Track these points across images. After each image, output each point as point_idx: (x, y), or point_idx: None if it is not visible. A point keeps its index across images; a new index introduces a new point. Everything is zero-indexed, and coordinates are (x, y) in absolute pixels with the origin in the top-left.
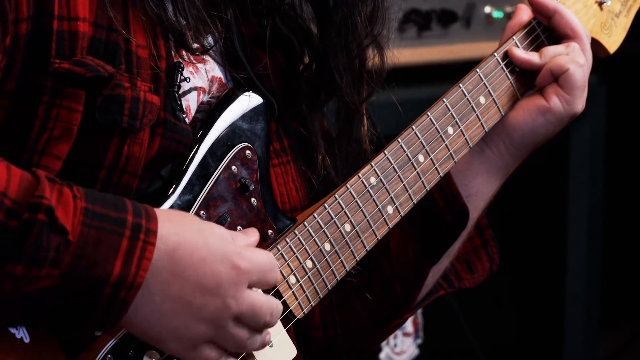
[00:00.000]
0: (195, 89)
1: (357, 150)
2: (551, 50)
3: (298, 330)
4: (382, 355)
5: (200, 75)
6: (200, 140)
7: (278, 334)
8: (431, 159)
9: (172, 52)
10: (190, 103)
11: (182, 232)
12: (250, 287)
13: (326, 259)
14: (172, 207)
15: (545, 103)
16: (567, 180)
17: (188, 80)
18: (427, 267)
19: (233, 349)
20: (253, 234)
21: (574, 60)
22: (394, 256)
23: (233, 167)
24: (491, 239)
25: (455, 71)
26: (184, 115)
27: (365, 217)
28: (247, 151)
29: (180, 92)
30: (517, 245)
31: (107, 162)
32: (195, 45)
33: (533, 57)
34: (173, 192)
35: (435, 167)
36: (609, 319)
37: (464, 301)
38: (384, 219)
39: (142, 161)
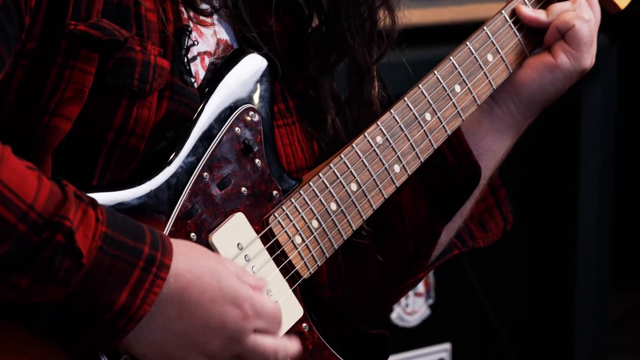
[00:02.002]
0: (200, 54)
1: (367, 112)
2: (558, 7)
3: (305, 290)
4: (393, 315)
5: (205, 39)
6: (203, 103)
7: (284, 294)
8: (438, 117)
9: (180, 16)
10: (198, 68)
11: (196, 270)
12: (256, 331)
13: (332, 219)
14: (174, 169)
15: (553, 60)
16: (579, 140)
17: (196, 43)
18: (439, 226)
19: None
20: (262, 281)
21: (580, 16)
22: (406, 214)
23: (236, 129)
24: (504, 199)
25: (466, 31)
26: (193, 79)
27: (372, 176)
28: (251, 112)
29: (189, 56)
30: (527, 205)
31: (116, 124)
32: (204, 7)
33: (540, 14)
34: (177, 154)
35: (443, 125)
36: (620, 279)
37: (475, 261)
38: (391, 177)
39: (150, 124)
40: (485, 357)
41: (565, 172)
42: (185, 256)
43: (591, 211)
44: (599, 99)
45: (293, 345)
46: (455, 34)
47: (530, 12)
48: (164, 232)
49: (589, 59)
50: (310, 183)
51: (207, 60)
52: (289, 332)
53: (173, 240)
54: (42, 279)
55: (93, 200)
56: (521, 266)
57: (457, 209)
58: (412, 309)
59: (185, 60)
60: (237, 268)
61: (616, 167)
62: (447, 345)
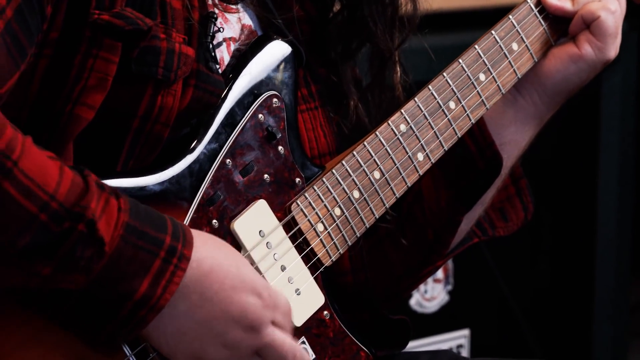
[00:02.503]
0: (225, 40)
1: (389, 97)
2: None
3: (326, 277)
4: (412, 301)
5: (231, 25)
6: (227, 89)
7: (305, 282)
8: (462, 105)
9: (205, 3)
10: (224, 54)
11: (217, 257)
12: (274, 324)
13: (355, 207)
14: (197, 156)
15: (577, 50)
16: (599, 127)
17: (222, 30)
18: (460, 215)
19: None
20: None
21: (606, 7)
22: (426, 203)
23: (260, 116)
24: (526, 188)
25: (488, 18)
26: (217, 66)
27: (395, 164)
28: (274, 99)
29: (214, 42)
30: (547, 192)
31: (141, 112)
32: None
33: (566, 3)
34: (199, 141)
35: (467, 114)
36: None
37: (494, 247)
38: (414, 165)
39: (175, 112)
40: (504, 343)
41: (584, 158)
42: (205, 244)
43: (611, 197)
44: (619, 84)
45: (306, 354)
46: (477, 19)
47: (555, 1)
48: (186, 219)
49: (613, 50)
50: (333, 171)
51: (232, 46)
52: (310, 320)
53: (193, 231)
54: (65, 267)
55: (115, 190)
56: (540, 252)
57: (478, 199)
58: (431, 295)
59: (211, 47)
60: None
61: (636, 153)
62: (466, 331)
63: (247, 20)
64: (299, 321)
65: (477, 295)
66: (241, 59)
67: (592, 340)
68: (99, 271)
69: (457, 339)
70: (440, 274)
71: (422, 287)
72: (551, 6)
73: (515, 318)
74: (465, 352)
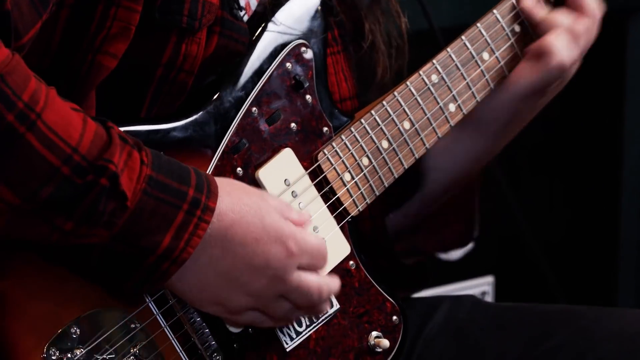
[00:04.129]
0: None
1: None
2: (558, 18)
3: (353, 227)
4: None
5: None
6: (255, 37)
7: (331, 231)
8: (496, 56)
9: None
10: (250, 0)
11: (239, 209)
12: (299, 268)
13: (383, 157)
14: (222, 103)
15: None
16: (624, 72)
17: None
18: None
19: (276, 317)
20: (306, 214)
21: (561, 51)
22: None
23: (287, 64)
24: (473, 213)
25: None
26: (243, 13)
27: (426, 115)
28: (303, 48)
29: None
30: (572, 135)
31: (164, 60)
32: None
33: (540, 12)
34: (225, 89)
35: (501, 65)
36: None
37: (519, 193)
38: (446, 116)
39: (200, 60)
40: (528, 291)
41: (610, 101)
42: (228, 196)
43: (636, 142)
44: None
45: (335, 283)
46: None
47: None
48: (210, 166)
49: (546, 93)
50: (362, 120)
51: None
52: (335, 270)
53: (218, 180)
54: (87, 221)
55: (138, 143)
56: (565, 198)
57: (398, 206)
58: None
59: None
60: (280, 204)
61: None
62: (490, 278)
63: None
64: (324, 271)
65: (502, 241)
66: (270, 6)
67: (617, 285)
68: (121, 225)
69: (481, 285)
70: None
71: None
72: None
73: (540, 266)
74: (489, 299)
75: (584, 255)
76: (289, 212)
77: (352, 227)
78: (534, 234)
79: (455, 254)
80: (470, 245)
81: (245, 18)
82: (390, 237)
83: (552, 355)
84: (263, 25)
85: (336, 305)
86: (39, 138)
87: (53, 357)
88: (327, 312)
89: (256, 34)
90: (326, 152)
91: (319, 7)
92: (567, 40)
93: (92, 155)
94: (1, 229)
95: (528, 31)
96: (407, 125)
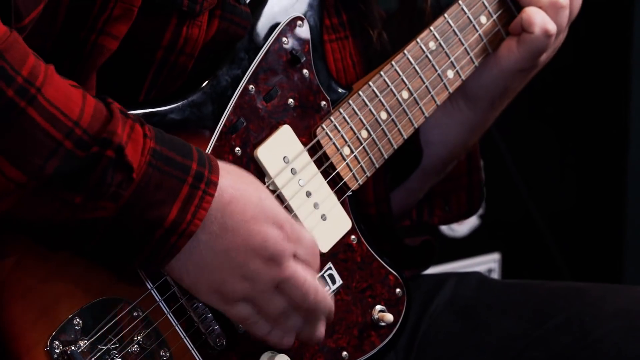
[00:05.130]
0: None
1: (418, 27)
2: None
3: (353, 202)
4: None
5: None
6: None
7: (332, 207)
8: (494, 19)
9: None
10: None
11: (239, 186)
12: (295, 258)
13: (382, 128)
14: (219, 83)
15: (494, 57)
16: (630, 51)
17: None
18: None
19: (268, 314)
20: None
21: (545, 26)
22: None
23: (283, 39)
24: (478, 184)
25: None
26: None
27: (424, 83)
28: (299, 22)
29: None
30: (577, 112)
31: (165, 42)
32: None
33: None
34: (221, 68)
35: (499, 28)
36: None
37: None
38: (444, 83)
39: (200, 43)
40: (534, 267)
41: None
42: (227, 173)
43: None
44: None
45: (329, 298)
46: None
47: None
48: (208, 147)
49: (534, 66)
50: (360, 92)
51: None
52: (337, 245)
53: (219, 160)
54: (95, 194)
55: (139, 117)
56: (571, 176)
57: (398, 184)
58: None
59: None
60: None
61: None
62: (496, 255)
63: None
64: (325, 247)
65: (508, 219)
66: None
67: (623, 262)
68: (127, 198)
69: (488, 262)
70: None
71: None
72: None
73: (546, 242)
74: (495, 276)
75: (591, 232)
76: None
77: (352, 202)
78: (540, 211)
79: (462, 230)
80: (476, 222)
81: (248, 1)
82: (394, 221)
83: (558, 332)
84: (258, 1)
85: (339, 281)
86: (40, 112)
87: (57, 350)
88: (330, 288)
89: (254, 13)
90: (325, 127)
91: None
92: (549, 11)
93: (94, 129)
94: (11, 210)
95: None
96: (405, 95)
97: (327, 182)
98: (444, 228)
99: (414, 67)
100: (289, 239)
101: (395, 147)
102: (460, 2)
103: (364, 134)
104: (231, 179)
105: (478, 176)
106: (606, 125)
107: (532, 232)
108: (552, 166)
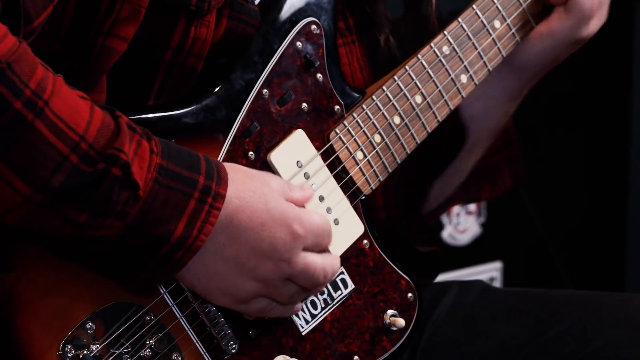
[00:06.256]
0: None
1: (423, 32)
2: None
3: (366, 206)
4: (444, 234)
5: None
6: (264, 19)
7: (345, 211)
8: (507, 24)
9: None
10: None
11: (244, 195)
12: (304, 250)
13: (395, 133)
14: (233, 87)
15: (546, 27)
16: (632, 55)
17: None
18: (426, 184)
19: (283, 302)
20: (308, 189)
21: None
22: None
23: (298, 43)
24: (518, 155)
25: None
26: None
27: (437, 88)
28: (313, 26)
29: None
30: (581, 122)
31: (174, 43)
32: None
33: None
34: (235, 71)
35: (512, 32)
36: None
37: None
38: (457, 88)
39: (209, 43)
40: (536, 276)
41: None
42: (232, 182)
43: None
44: None
45: (337, 262)
46: None
47: None
48: (222, 152)
49: (585, 31)
50: (373, 97)
51: None
52: (350, 250)
53: (226, 165)
54: (101, 212)
55: (147, 132)
56: (574, 184)
57: (444, 167)
58: (463, 227)
59: None
60: (282, 185)
61: None
62: (498, 264)
63: None
64: (338, 251)
65: (510, 227)
66: None
67: (625, 271)
68: (134, 215)
69: (490, 271)
70: (473, 206)
71: (454, 219)
72: None
73: (548, 251)
74: (497, 285)
75: (592, 240)
76: (291, 191)
77: (365, 206)
78: (542, 220)
79: (464, 239)
80: (478, 231)
81: (257, 0)
82: (404, 226)
83: (560, 340)
84: (270, 4)
85: (351, 286)
86: (48, 125)
87: (69, 354)
88: (342, 292)
89: (265, 14)
90: (338, 132)
91: None
92: None
93: (100, 144)
94: (17, 223)
95: None
96: (419, 99)
97: (340, 187)
98: (446, 236)
99: (428, 72)
100: (298, 236)
101: (408, 151)
102: (474, 6)
103: (377, 138)
104: (236, 188)
105: (516, 146)
106: (608, 133)
107: (534, 240)
108: (553, 175)
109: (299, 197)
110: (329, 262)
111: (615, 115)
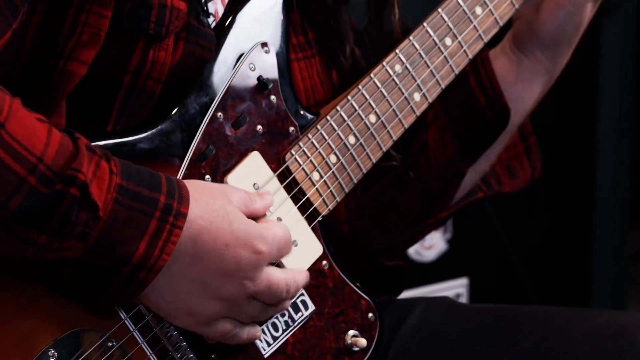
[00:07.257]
0: None
1: (387, 40)
2: None
3: (324, 227)
4: (410, 250)
5: None
6: (219, 43)
7: (303, 233)
8: (459, 41)
9: None
10: (218, 7)
11: (207, 215)
12: (268, 264)
13: (351, 152)
14: (187, 111)
15: None
16: (598, 75)
17: None
18: (464, 166)
19: (246, 321)
20: (268, 197)
21: None
22: (431, 152)
23: (250, 65)
24: (534, 146)
25: None
26: (211, 19)
27: (391, 107)
28: (265, 48)
29: None
30: (545, 139)
31: (132, 67)
32: None
33: None
34: (189, 95)
35: (464, 50)
36: (638, 215)
37: (493, 196)
38: (411, 106)
39: (167, 67)
40: (503, 292)
41: (584, 106)
42: (195, 202)
43: (610, 146)
44: (619, 32)
45: (302, 276)
46: None
47: None
48: (178, 175)
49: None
50: (328, 117)
51: None
52: (309, 271)
53: (188, 183)
54: (60, 233)
55: (106, 153)
56: (539, 200)
57: (483, 151)
58: (429, 243)
59: (202, 0)
60: (243, 197)
61: (637, 100)
62: (464, 280)
63: None
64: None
65: (476, 243)
66: (231, 9)
67: (591, 289)
68: (95, 237)
69: (456, 287)
70: None
71: None
72: None
73: (515, 267)
74: (464, 301)
75: (559, 256)
76: (252, 203)
77: (323, 227)
78: (508, 236)
79: (430, 255)
80: (444, 247)
81: (214, 25)
82: (368, 239)
83: (527, 355)
84: (223, 27)
85: (312, 307)
86: (4, 148)
87: None
88: (302, 314)
89: (219, 38)
90: (293, 153)
91: (279, 4)
92: None
93: (58, 166)
94: None
95: (491, 12)
96: (373, 118)
97: (298, 208)
98: (412, 253)
99: (381, 91)
100: (262, 253)
101: (365, 171)
102: (425, 23)
103: (333, 158)
104: (199, 208)
105: (533, 139)
106: (574, 147)
107: (500, 256)
108: (519, 191)
109: (260, 208)
110: (291, 277)
111: (580, 130)
